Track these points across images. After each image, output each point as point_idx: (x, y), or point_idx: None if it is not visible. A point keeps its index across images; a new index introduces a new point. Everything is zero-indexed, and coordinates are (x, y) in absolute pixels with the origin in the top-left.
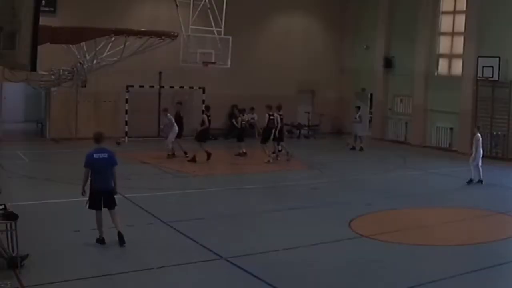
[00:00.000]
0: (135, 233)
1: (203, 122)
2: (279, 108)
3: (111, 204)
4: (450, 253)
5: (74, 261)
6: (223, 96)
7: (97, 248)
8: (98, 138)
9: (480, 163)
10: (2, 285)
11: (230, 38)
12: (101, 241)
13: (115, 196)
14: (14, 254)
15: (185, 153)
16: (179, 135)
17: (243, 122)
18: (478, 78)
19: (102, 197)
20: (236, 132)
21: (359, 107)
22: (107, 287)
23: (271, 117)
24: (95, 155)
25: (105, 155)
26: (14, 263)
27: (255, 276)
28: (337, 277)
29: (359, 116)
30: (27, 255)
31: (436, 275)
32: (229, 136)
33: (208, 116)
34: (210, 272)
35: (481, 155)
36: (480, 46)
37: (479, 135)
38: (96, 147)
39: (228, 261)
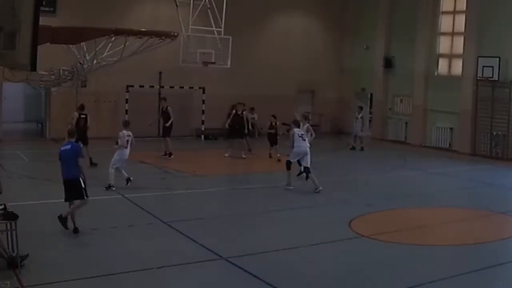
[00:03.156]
0: (135, 233)
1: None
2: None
3: (76, 194)
4: (450, 253)
5: (74, 261)
6: (223, 96)
7: (97, 248)
8: (69, 133)
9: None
10: (2, 285)
11: (230, 38)
12: (75, 230)
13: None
14: (14, 254)
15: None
16: (168, 133)
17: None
18: (478, 78)
19: (68, 186)
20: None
21: (361, 108)
22: (107, 287)
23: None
24: (62, 148)
25: (68, 146)
26: (14, 263)
27: (255, 276)
28: (337, 277)
29: (361, 117)
30: (27, 255)
31: (436, 275)
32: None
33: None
34: (210, 272)
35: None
36: (480, 46)
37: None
38: (68, 140)
39: (228, 261)
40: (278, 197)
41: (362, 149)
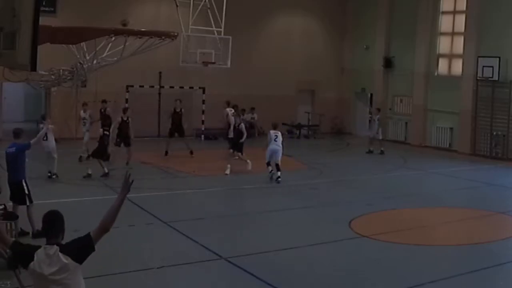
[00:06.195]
0: (135, 233)
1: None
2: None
3: (19, 199)
4: (450, 253)
5: None
6: (223, 96)
7: (97, 248)
8: (15, 133)
9: None
10: (2, 285)
11: (230, 38)
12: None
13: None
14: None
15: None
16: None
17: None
18: (478, 78)
19: (12, 189)
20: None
21: (379, 109)
22: (107, 287)
23: None
24: (6, 149)
25: (12, 149)
26: (14, 263)
27: (255, 276)
28: (337, 277)
29: (378, 119)
30: None
31: (436, 275)
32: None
33: None
34: (210, 272)
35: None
36: (480, 46)
37: None
38: (13, 141)
39: (228, 261)
40: (278, 197)
41: (382, 152)
